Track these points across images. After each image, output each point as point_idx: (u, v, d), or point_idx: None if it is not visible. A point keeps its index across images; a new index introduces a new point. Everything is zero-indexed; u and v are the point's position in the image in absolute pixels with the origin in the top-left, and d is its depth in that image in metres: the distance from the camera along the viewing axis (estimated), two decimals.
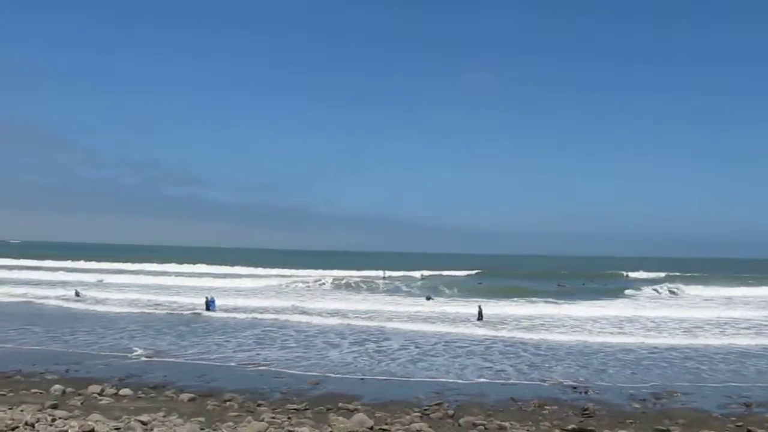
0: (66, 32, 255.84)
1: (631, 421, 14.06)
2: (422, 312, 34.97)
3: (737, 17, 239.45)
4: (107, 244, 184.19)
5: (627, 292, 50.86)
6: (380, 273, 70.45)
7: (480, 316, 32.98)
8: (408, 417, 14.03)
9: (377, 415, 14.01)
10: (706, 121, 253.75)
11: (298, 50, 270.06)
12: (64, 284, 48.41)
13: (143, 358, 20.91)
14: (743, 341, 25.66)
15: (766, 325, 30.63)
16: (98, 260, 78.75)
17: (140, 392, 15.83)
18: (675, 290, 52.37)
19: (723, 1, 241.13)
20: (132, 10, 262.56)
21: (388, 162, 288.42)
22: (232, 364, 20.36)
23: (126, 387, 16.19)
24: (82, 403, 14.40)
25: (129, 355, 21.52)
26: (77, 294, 41.51)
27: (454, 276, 72.05)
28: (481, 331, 28.00)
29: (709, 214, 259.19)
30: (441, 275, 72.26)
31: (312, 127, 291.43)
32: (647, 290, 52.14)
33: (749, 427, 13.48)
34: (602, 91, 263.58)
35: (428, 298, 44.60)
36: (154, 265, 74.49)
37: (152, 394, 15.74)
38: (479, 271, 79.24)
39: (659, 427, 13.53)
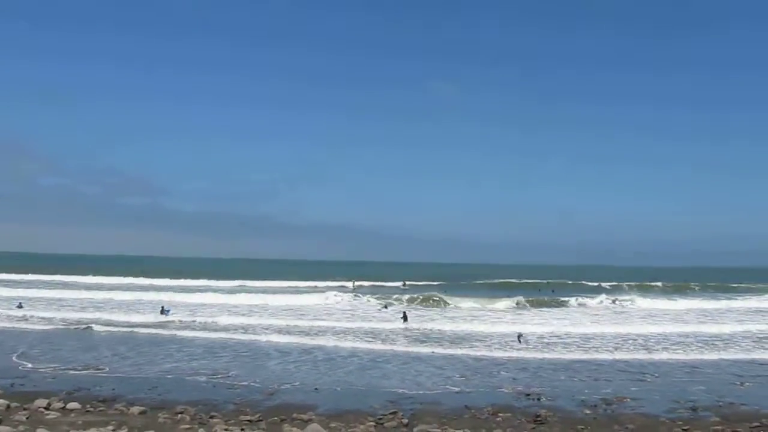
0: (26, 40, 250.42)
1: (582, 426, 14.28)
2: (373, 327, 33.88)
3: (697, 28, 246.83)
4: (65, 254, 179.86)
5: (577, 302, 49.69)
6: (349, 284, 70.36)
7: (405, 318, 34.82)
8: (362, 426, 14.03)
9: (331, 425, 13.97)
10: (683, 131, 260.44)
11: (261, 59, 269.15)
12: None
13: (90, 371, 20.35)
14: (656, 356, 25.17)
15: (701, 341, 29.79)
16: (52, 273, 75.06)
17: (89, 406, 15.42)
18: (628, 302, 50.87)
19: (688, 11, 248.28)
20: (95, 17, 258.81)
21: (353, 171, 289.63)
22: (184, 376, 19.97)
23: (74, 401, 15.75)
24: (27, 418, 13.99)
25: (75, 368, 20.91)
26: (20, 306, 40.36)
27: (423, 285, 72.27)
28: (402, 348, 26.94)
29: (694, 222, 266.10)
30: (407, 285, 72.56)
31: (275, 136, 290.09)
32: (600, 301, 50.82)
33: (694, 431, 13.86)
34: (568, 101, 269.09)
35: (385, 307, 44.92)
36: (113, 278, 72.09)
37: (101, 408, 15.35)
38: (443, 282, 79.77)
39: None
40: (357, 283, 71.20)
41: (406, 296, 51.84)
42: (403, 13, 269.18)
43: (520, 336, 30.60)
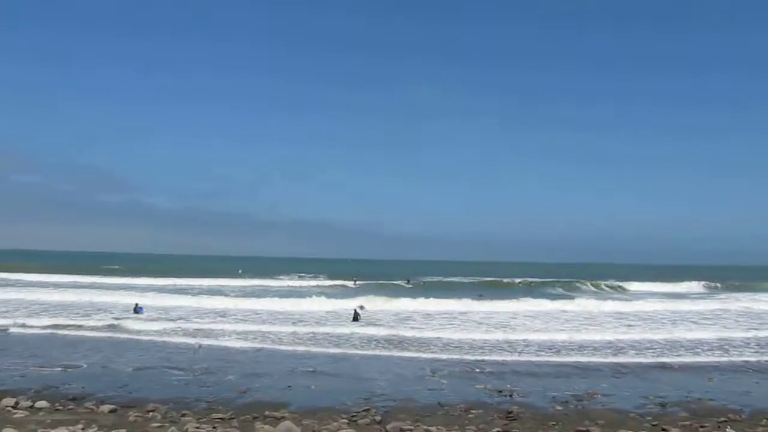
0: (1, 39, 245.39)
1: (554, 422, 14.42)
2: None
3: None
4: (41, 251, 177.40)
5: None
6: (350, 283, 69.98)
7: (356, 318, 34.55)
8: (335, 424, 14.00)
9: (304, 422, 13.93)
10: (656, 129, 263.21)
11: (238, 56, 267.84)
12: None
13: (60, 368, 20.04)
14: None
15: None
16: (25, 271, 72.13)
17: (58, 404, 15.20)
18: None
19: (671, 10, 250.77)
20: (71, 18, 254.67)
21: (331, 169, 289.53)
22: (155, 373, 19.81)
23: (42, 399, 15.50)
24: None
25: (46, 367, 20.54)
26: None
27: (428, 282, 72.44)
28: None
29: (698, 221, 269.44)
30: (412, 283, 72.86)
31: (255, 133, 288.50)
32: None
33: (663, 426, 14.08)
34: (547, 101, 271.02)
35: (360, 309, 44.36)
36: (88, 276, 70.62)
37: (70, 406, 15.15)
38: (427, 279, 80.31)
39: (580, 428, 13.94)
40: (359, 282, 70.51)
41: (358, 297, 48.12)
42: (387, 12, 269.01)
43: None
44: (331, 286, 68.08)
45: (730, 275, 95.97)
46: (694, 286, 75.88)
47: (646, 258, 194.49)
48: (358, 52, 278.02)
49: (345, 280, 73.58)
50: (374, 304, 43.50)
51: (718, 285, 78.12)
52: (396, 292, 56.35)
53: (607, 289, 72.28)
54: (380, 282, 72.69)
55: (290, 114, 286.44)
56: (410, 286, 70.09)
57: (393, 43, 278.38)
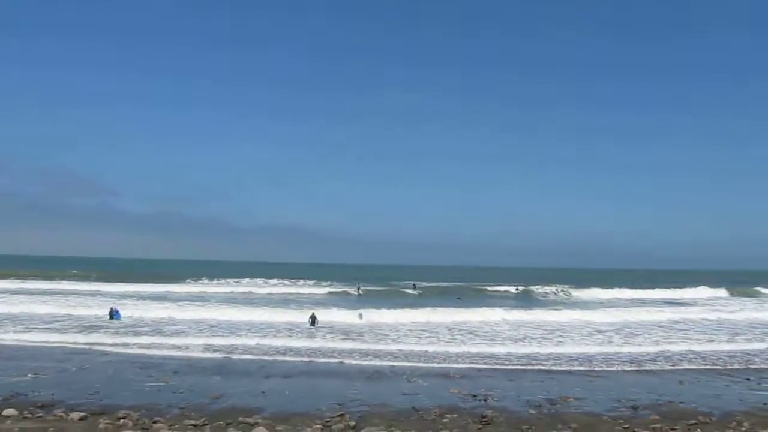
0: None
1: (527, 426, 14.47)
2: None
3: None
4: (4, 255, 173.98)
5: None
6: (353, 290, 69.10)
7: (312, 322, 35.38)
8: (309, 429, 13.94)
9: (278, 428, 13.86)
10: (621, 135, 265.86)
11: (212, 61, 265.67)
12: None
13: (30, 376, 19.67)
14: None
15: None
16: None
17: (26, 412, 14.88)
18: None
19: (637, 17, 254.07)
20: (44, 23, 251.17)
21: (305, 174, 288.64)
22: (127, 380, 19.54)
23: (10, 407, 15.17)
24: None
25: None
26: None
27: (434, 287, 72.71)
28: None
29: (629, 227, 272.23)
30: (418, 288, 72.82)
31: (229, 137, 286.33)
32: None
33: (635, 429, 14.22)
34: (523, 106, 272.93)
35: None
36: (56, 282, 69.23)
37: (39, 414, 14.85)
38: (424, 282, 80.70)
39: (553, 431, 14.04)
40: (363, 289, 69.55)
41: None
42: (379, 19, 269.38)
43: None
44: (331, 293, 66.66)
45: (722, 281, 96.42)
46: (688, 293, 75.88)
47: (646, 263, 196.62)
48: (339, 57, 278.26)
49: (347, 286, 72.18)
50: (375, 316, 40.50)
51: (714, 293, 78.55)
52: (402, 300, 54.75)
53: (587, 296, 71.86)
54: (385, 288, 72.23)
55: (265, 119, 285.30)
56: (417, 292, 69.69)
57: (379, 49, 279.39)
